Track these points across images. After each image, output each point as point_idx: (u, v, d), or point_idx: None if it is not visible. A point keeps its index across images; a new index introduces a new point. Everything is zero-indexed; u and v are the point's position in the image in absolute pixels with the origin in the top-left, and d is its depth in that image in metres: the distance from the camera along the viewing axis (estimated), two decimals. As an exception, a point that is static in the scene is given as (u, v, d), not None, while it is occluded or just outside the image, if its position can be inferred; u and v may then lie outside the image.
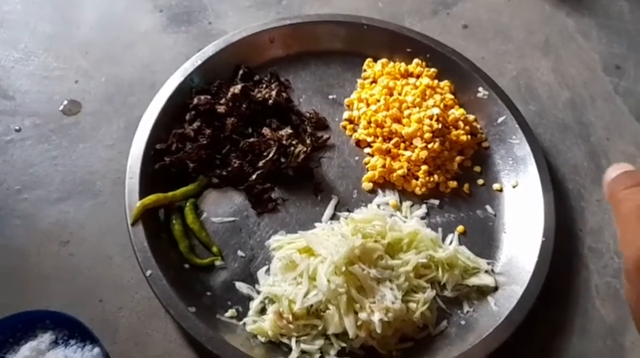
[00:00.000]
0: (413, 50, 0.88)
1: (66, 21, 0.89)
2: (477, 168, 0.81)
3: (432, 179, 0.77)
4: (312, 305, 0.63)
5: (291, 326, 0.64)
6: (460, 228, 0.75)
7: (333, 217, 0.75)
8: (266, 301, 0.67)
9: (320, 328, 0.64)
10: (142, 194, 0.69)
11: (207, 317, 0.64)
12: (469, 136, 0.80)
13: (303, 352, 0.63)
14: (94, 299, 0.66)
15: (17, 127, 0.77)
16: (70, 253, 0.69)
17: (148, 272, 0.64)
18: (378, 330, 0.61)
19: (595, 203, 0.80)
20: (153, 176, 0.72)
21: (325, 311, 0.63)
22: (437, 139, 0.76)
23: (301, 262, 0.66)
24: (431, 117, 0.77)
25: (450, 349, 0.65)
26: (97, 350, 0.61)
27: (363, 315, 0.62)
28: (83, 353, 0.61)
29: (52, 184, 0.73)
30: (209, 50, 0.82)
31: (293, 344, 0.63)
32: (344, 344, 0.64)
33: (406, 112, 0.79)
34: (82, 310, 0.63)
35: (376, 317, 0.62)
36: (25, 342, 0.61)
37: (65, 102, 0.80)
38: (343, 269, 0.63)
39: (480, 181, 0.80)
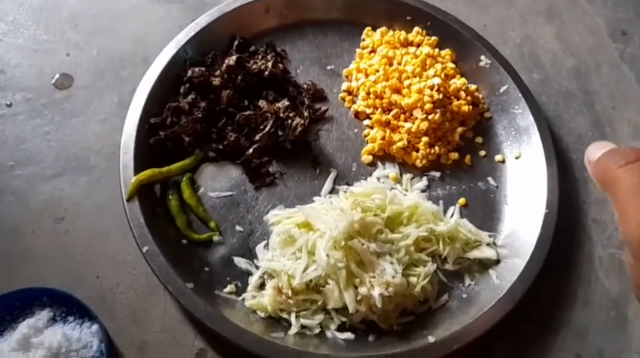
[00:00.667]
0: (413, 18, 0.85)
1: (55, -7, 0.87)
2: (479, 139, 0.79)
3: (432, 151, 0.75)
4: (311, 280, 0.63)
5: (290, 301, 0.63)
6: (461, 200, 0.74)
7: (332, 191, 0.74)
8: (265, 276, 0.66)
9: (320, 303, 0.64)
10: (137, 169, 0.68)
11: (205, 292, 0.63)
12: (471, 106, 0.78)
13: (302, 327, 0.63)
14: (91, 276, 0.65)
15: (8, 102, 0.76)
16: (66, 230, 0.68)
17: (145, 249, 0.63)
18: (379, 305, 0.61)
19: (599, 173, 0.79)
20: (148, 151, 0.71)
21: (325, 285, 0.63)
22: (438, 110, 0.75)
23: (300, 237, 0.65)
24: (431, 88, 0.75)
25: (451, 322, 0.64)
26: (95, 326, 0.61)
27: (363, 290, 0.62)
28: (82, 329, 0.61)
29: (45, 160, 0.72)
30: (203, 20, 0.80)
31: (293, 319, 0.63)
32: (344, 319, 0.64)
33: (406, 82, 0.77)
34: (79, 287, 0.63)
35: (376, 292, 0.61)
36: (23, 320, 0.61)
37: (57, 75, 0.78)
38: (342, 243, 0.62)
39: (482, 152, 0.78)
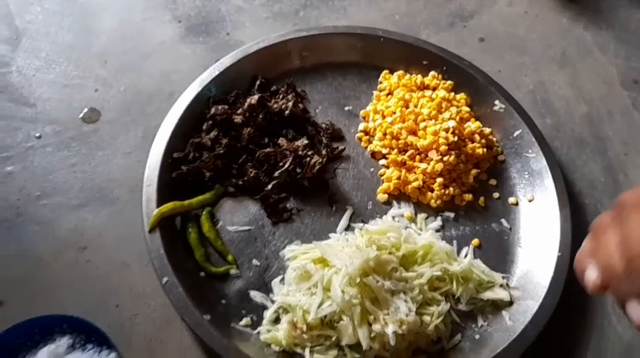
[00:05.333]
0: (429, 63, 0.89)
1: (86, 31, 0.91)
2: (493, 182, 0.82)
3: (447, 191, 0.78)
4: (326, 316, 0.64)
5: (305, 336, 0.65)
6: (475, 241, 0.76)
7: (348, 228, 0.76)
8: (280, 310, 0.68)
9: (334, 339, 0.65)
10: (159, 202, 0.71)
11: (221, 325, 0.65)
12: (485, 149, 0.81)
13: (316, 362, 0.64)
14: (111, 306, 0.67)
15: (38, 134, 0.79)
16: (88, 260, 0.71)
17: (164, 280, 0.66)
18: (392, 342, 0.62)
19: (612, 218, 0.80)
20: (170, 184, 0.74)
21: (339, 322, 0.64)
22: (452, 152, 0.77)
23: (316, 272, 0.67)
24: (447, 130, 0.78)
25: (462, 362, 0.66)
26: (113, 355, 0.63)
27: (376, 327, 0.63)
28: (100, 357, 0.63)
29: (71, 191, 0.75)
30: (227, 61, 0.84)
31: (307, 354, 0.64)
32: (357, 356, 0.65)
33: (422, 125, 0.80)
34: (98, 316, 0.65)
35: (390, 330, 0.63)
36: (44, 346, 0.63)
37: (85, 110, 0.82)
38: (357, 280, 0.64)
39: (496, 195, 0.81)
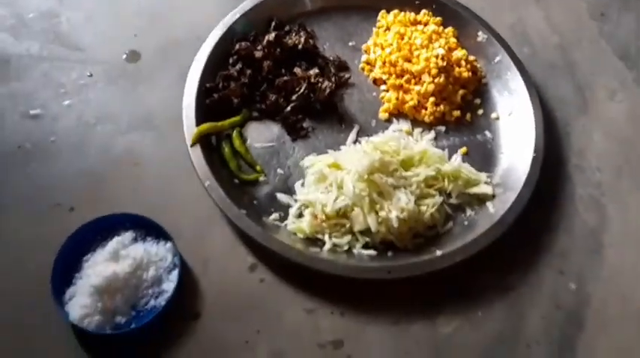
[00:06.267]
0: (421, 3, 0.97)
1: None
2: (477, 100, 0.90)
3: (438, 109, 0.87)
4: (340, 208, 0.74)
5: (324, 224, 0.75)
6: (463, 149, 0.85)
7: (355, 142, 0.85)
8: (302, 207, 0.77)
9: (347, 226, 0.75)
10: (197, 123, 0.80)
11: (255, 218, 0.74)
12: (470, 73, 0.89)
13: (334, 245, 0.74)
14: (163, 208, 0.76)
15: (89, 73, 0.88)
16: (140, 173, 0.80)
17: (207, 183, 0.75)
18: (395, 225, 0.72)
19: (580, 128, 0.90)
20: (204, 110, 0.83)
21: (352, 212, 0.74)
22: (442, 75, 0.86)
23: (330, 174, 0.77)
24: (437, 56, 0.86)
25: (454, 242, 0.75)
26: (169, 244, 0.73)
27: (382, 213, 0.73)
28: (158, 246, 0.73)
29: (121, 119, 0.85)
30: (246, 6, 0.92)
31: (326, 239, 0.74)
32: (368, 239, 0.75)
33: (416, 53, 0.88)
34: (153, 216, 0.73)
35: (393, 215, 0.73)
36: (111, 239, 0.72)
37: (127, 52, 0.91)
38: (365, 177, 0.74)
39: (480, 111, 0.89)
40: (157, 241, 0.73)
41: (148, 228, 0.74)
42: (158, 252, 0.72)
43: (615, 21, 1.02)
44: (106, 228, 0.73)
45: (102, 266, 0.70)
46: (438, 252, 0.73)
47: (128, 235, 0.73)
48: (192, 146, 0.78)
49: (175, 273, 0.71)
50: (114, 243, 0.72)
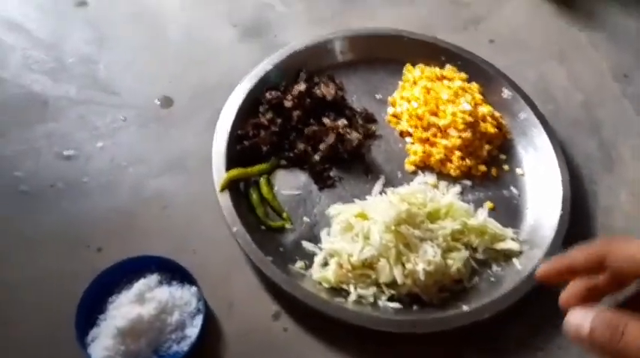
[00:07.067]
0: (446, 58, 0.99)
1: (157, 35, 1.03)
2: (503, 156, 0.91)
3: (464, 163, 0.87)
4: (366, 259, 0.74)
5: (349, 275, 0.74)
6: (489, 204, 0.85)
7: (381, 193, 0.85)
8: (327, 257, 0.77)
9: (373, 277, 0.74)
10: (227, 169, 0.81)
11: (281, 265, 0.74)
12: (496, 129, 0.91)
13: (359, 296, 0.73)
14: (189, 251, 0.77)
15: (122, 117, 0.91)
16: (168, 215, 0.81)
17: (234, 229, 0.76)
18: (422, 278, 0.72)
19: (606, 186, 0.90)
20: (234, 156, 0.84)
21: (377, 263, 0.74)
22: (469, 129, 0.87)
23: (357, 224, 0.77)
24: (463, 112, 0.88)
25: (481, 298, 0.74)
26: (194, 288, 0.72)
27: (409, 266, 0.73)
28: (183, 290, 0.73)
29: (152, 162, 0.86)
30: (277, 56, 0.95)
31: (351, 289, 0.74)
32: (393, 292, 0.74)
33: (442, 107, 0.90)
34: (178, 260, 0.73)
35: (420, 267, 0.72)
36: (136, 281, 0.72)
37: (161, 97, 0.94)
38: (392, 228, 0.74)
39: (506, 167, 0.90)
40: (182, 285, 0.73)
41: (173, 272, 0.74)
42: (183, 296, 0.72)
43: (638, 82, 1.03)
44: (132, 270, 0.73)
45: (127, 308, 0.70)
46: (465, 307, 0.72)
47: (154, 278, 0.73)
48: (221, 191, 0.79)
49: (199, 319, 0.70)
50: (140, 285, 0.72)
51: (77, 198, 0.82)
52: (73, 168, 0.85)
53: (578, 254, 0.47)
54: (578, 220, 0.84)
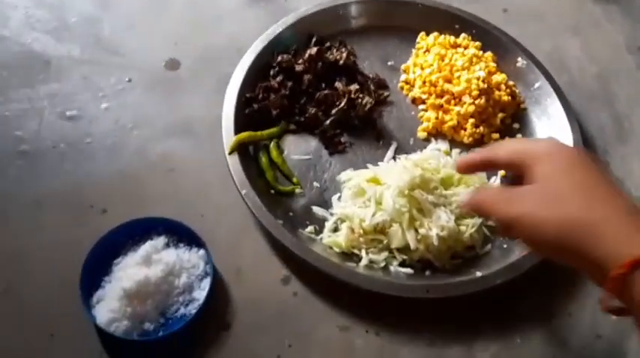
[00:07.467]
0: (460, 27, 0.97)
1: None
2: (516, 125, 0.89)
3: (477, 131, 0.86)
4: (378, 224, 0.72)
5: (361, 239, 0.73)
6: (502, 172, 0.83)
7: (393, 159, 0.84)
8: (338, 222, 0.76)
9: (385, 242, 0.73)
10: (236, 132, 0.80)
11: (291, 230, 0.73)
12: (510, 97, 0.89)
13: (370, 261, 0.72)
14: (197, 215, 0.75)
15: (128, 79, 0.88)
16: (175, 178, 0.79)
17: (244, 191, 0.74)
18: (435, 243, 0.70)
19: (619, 157, 0.88)
20: (243, 119, 0.82)
21: (390, 228, 0.73)
22: (483, 97, 0.85)
23: (369, 189, 0.75)
24: (478, 79, 0.86)
25: (493, 264, 0.73)
26: (202, 251, 0.71)
27: (422, 231, 0.71)
28: (191, 253, 0.71)
29: (158, 124, 0.84)
30: (288, 20, 0.92)
31: (363, 254, 0.72)
32: (405, 257, 0.73)
33: (456, 74, 0.88)
34: (186, 223, 0.72)
35: (434, 232, 0.71)
36: (143, 243, 0.70)
37: (167, 59, 0.91)
38: (406, 193, 0.72)
39: (519, 136, 0.88)
40: (190, 248, 0.72)
41: (180, 234, 0.72)
42: (190, 258, 0.71)
43: (653, 56, 1.02)
44: (139, 232, 0.72)
45: (133, 269, 0.68)
46: (478, 273, 0.71)
47: (161, 240, 0.72)
48: (230, 154, 0.77)
49: (207, 282, 0.69)
50: (146, 246, 0.70)
51: (80, 159, 0.80)
52: (76, 129, 0.83)
53: (494, 153, 0.59)
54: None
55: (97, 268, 0.69)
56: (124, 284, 0.66)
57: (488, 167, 0.66)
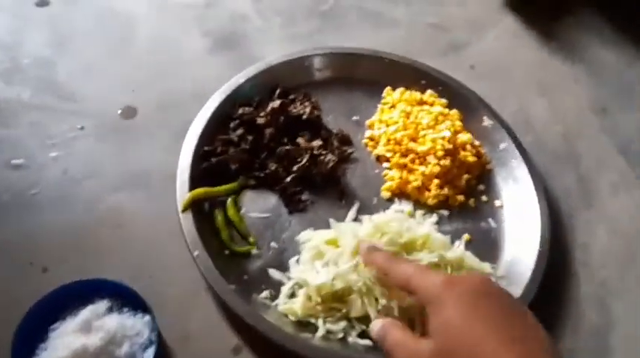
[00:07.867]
0: (427, 83, 0.96)
1: (123, 39, 0.98)
2: (482, 187, 0.88)
3: (442, 192, 0.84)
4: (336, 291, 0.70)
5: (318, 307, 0.69)
6: (466, 236, 0.82)
7: (355, 220, 0.81)
8: (295, 286, 0.72)
9: (344, 311, 0.69)
10: (191, 187, 0.76)
11: (244, 295, 0.69)
12: (475, 158, 0.88)
13: (328, 332, 0.68)
14: (145, 276, 0.71)
15: (80, 126, 0.84)
16: (124, 235, 0.75)
17: (196, 253, 0.70)
18: (396, 314, 0.68)
19: (584, 221, 0.88)
20: (200, 174, 0.79)
21: (349, 296, 0.70)
22: (448, 157, 0.84)
23: (328, 251, 0.72)
24: (443, 138, 0.85)
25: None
26: (147, 317, 0.66)
27: (382, 301, 0.68)
28: (135, 319, 0.66)
29: (109, 176, 0.80)
30: (251, 70, 0.90)
31: (320, 323, 0.69)
32: (364, 327, 0.69)
33: (422, 133, 0.87)
34: (133, 284, 0.67)
35: (394, 303, 0.68)
36: (84, 307, 0.66)
37: (124, 106, 0.88)
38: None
39: (484, 198, 0.87)
40: (135, 313, 0.67)
41: (125, 298, 0.67)
42: (135, 325, 0.66)
43: (617, 117, 1.03)
44: (80, 295, 0.67)
45: (70, 337, 0.63)
46: (440, 347, 0.68)
47: (103, 304, 0.67)
48: (183, 211, 0.74)
49: (151, 351, 0.64)
50: (87, 311, 0.65)
51: (24, 211, 0.76)
52: (21, 178, 0.79)
53: (390, 268, 0.63)
54: (556, 256, 0.81)
55: (32, 334, 0.63)
56: (60, 354, 0.61)
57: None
